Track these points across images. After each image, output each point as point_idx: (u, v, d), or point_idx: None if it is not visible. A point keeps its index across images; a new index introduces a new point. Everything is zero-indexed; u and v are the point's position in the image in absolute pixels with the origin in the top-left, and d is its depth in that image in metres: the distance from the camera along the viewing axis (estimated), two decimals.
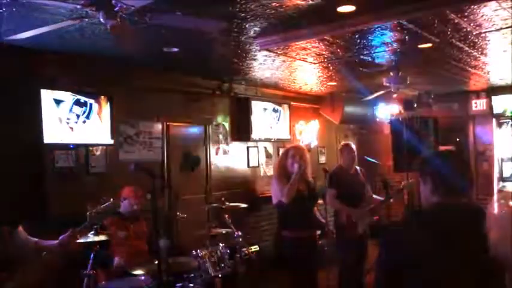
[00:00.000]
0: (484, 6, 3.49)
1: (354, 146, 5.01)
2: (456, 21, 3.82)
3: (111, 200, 3.35)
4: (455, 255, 1.56)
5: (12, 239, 2.63)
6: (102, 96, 4.94)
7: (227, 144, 6.73)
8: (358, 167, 5.06)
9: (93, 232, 3.36)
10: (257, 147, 7.23)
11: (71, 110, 4.65)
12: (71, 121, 4.66)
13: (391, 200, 5.18)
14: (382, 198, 5.04)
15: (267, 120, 7.17)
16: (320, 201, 4.75)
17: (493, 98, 7.89)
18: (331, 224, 5.08)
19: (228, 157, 6.74)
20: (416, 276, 1.57)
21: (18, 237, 2.84)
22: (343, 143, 5.21)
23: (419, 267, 1.56)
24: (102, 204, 3.42)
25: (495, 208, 1.46)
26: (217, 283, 4.31)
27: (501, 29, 4.10)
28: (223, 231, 4.81)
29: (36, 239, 3.36)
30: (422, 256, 1.57)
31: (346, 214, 4.76)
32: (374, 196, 5.04)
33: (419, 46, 4.62)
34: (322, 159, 8.55)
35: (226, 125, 6.74)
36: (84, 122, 4.77)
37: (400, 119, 6.28)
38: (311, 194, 4.19)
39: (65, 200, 4.50)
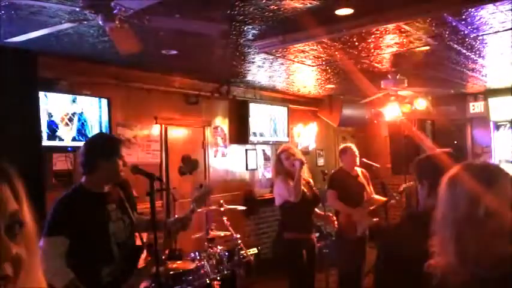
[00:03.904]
0: (482, 9, 3.50)
1: (355, 148, 4.99)
2: (454, 24, 3.84)
3: (203, 186, 3.36)
4: None
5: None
6: (101, 99, 4.94)
7: (226, 147, 6.73)
8: (359, 169, 5.04)
9: None
10: (255, 150, 7.23)
11: (69, 112, 4.65)
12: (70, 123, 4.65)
13: (393, 201, 5.16)
14: (384, 199, 5.02)
15: (266, 123, 7.18)
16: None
17: (490, 100, 7.91)
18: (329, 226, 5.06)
19: (227, 160, 6.74)
20: (414, 277, 1.57)
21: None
22: (343, 145, 5.18)
23: (417, 268, 1.56)
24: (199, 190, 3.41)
25: None
26: (216, 286, 4.31)
27: (498, 31, 4.11)
28: (222, 234, 4.81)
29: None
30: (419, 258, 1.57)
31: (345, 215, 4.76)
32: (376, 196, 5.01)
33: (417, 49, 4.64)
34: (321, 161, 8.56)
35: (225, 127, 6.75)
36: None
37: (398, 121, 6.28)
38: (314, 197, 4.19)
39: None
